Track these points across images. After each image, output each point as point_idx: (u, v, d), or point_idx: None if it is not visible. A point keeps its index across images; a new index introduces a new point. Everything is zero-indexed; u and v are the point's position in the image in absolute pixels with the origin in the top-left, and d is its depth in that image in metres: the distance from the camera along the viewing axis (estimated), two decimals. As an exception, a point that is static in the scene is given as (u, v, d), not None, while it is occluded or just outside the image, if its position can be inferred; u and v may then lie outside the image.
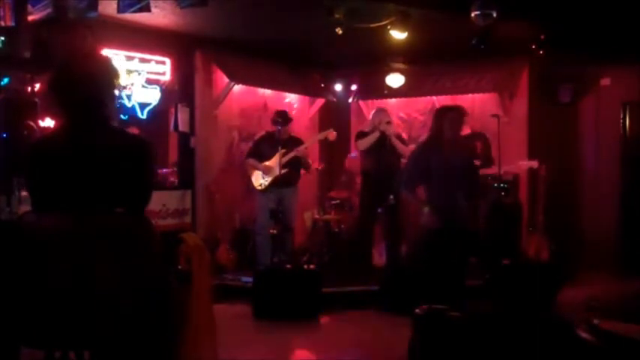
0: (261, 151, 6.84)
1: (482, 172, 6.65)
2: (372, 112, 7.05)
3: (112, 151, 2.38)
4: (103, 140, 2.40)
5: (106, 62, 2.59)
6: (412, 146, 8.05)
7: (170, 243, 2.58)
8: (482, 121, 7.20)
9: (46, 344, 2.33)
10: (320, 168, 7.68)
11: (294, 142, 6.82)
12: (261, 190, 6.78)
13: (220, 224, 7.34)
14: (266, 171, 6.71)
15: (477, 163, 6.60)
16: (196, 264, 2.57)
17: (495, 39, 5.99)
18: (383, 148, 6.54)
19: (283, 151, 6.63)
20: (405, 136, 7.46)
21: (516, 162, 6.84)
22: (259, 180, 6.78)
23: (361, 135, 6.81)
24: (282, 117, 6.74)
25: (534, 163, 6.70)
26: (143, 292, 2.28)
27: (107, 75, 2.50)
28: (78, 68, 2.47)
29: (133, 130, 5.81)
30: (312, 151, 7.40)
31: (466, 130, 6.78)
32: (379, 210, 6.79)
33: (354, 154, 7.72)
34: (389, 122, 6.62)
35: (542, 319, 2.60)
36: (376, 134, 6.59)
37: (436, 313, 2.89)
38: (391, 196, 6.51)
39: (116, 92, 2.59)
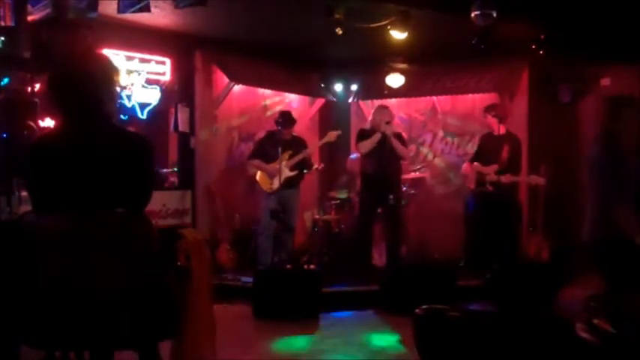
0: (264, 151, 6.78)
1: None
2: (374, 109, 7.00)
3: (111, 150, 2.38)
4: (103, 139, 2.40)
5: (104, 60, 2.58)
6: (412, 147, 8.12)
7: (169, 239, 2.57)
8: (482, 121, 7.20)
9: (47, 344, 2.32)
10: (320, 168, 7.68)
11: (297, 142, 6.79)
12: (265, 192, 6.76)
13: (220, 224, 7.34)
14: (273, 173, 6.67)
15: (495, 167, 6.61)
16: (196, 260, 2.56)
17: (495, 39, 5.99)
18: (383, 148, 6.52)
19: (289, 152, 6.61)
20: (405, 135, 7.45)
21: (522, 176, 6.84)
22: (268, 182, 6.72)
23: (362, 136, 6.74)
24: (284, 118, 6.72)
25: (541, 180, 6.69)
26: (143, 291, 2.27)
27: (105, 73, 2.49)
28: (76, 67, 2.47)
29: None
30: (313, 150, 7.38)
31: (500, 130, 6.79)
32: (379, 210, 6.79)
33: (354, 155, 7.73)
34: (388, 122, 6.55)
35: (542, 319, 2.60)
36: (377, 136, 6.52)
37: (436, 313, 2.89)
38: (391, 196, 6.50)
39: (117, 90, 2.57)
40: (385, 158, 6.52)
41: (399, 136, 6.76)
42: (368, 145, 6.58)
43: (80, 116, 2.42)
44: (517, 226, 6.97)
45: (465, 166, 7.15)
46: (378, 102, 8.54)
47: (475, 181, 6.82)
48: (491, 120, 6.79)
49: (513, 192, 6.83)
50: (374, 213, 6.79)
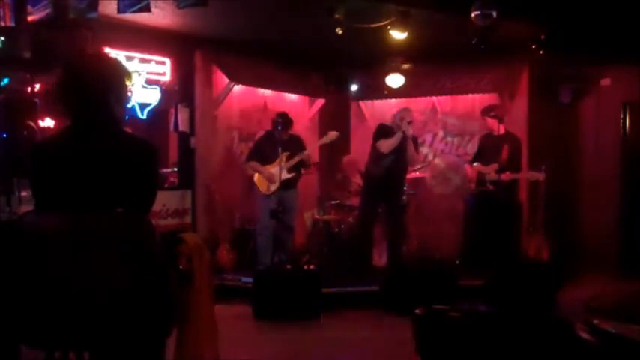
0: (262, 153, 6.76)
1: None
2: (397, 110, 6.85)
3: (115, 153, 2.37)
4: (107, 143, 2.39)
5: (115, 63, 2.57)
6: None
7: (170, 243, 2.58)
8: (482, 121, 7.21)
9: (47, 344, 2.33)
10: (315, 162, 7.61)
11: (295, 141, 6.76)
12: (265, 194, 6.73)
13: (220, 224, 7.34)
14: (270, 177, 6.60)
15: (495, 166, 6.62)
16: (197, 263, 2.57)
17: (495, 39, 5.99)
18: (399, 149, 6.49)
19: (287, 154, 6.58)
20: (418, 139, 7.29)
21: (522, 172, 6.85)
22: (265, 185, 6.68)
23: (383, 133, 6.59)
24: (282, 119, 6.69)
25: (540, 176, 6.69)
26: (143, 292, 2.27)
27: (117, 76, 2.47)
28: (86, 69, 2.45)
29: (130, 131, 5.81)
30: (312, 151, 7.37)
31: (499, 130, 6.79)
32: (382, 210, 6.76)
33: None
34: (410, 122, 6.46)
35: (542, 319, 2.60)
36: (399, 136, 6.41)
37: (436, 313, 2.88)
38: (405, 197, 6.47)
39: (127, 93, 2.54)
40: (396, 159, 6.50)
41: (414, 140, 6.68)
42: (390, 144, 6.47)
43: (86, 118, 2.41)
44: (517, 226, 6.97)
45: (467, 168, 7.16)
46: (377, 102, 8.57)
47: (475, 181, 6.82)
48: (491, 121, 6.79)
49: (513, 191, 6.83)
50: (376, 213, 6.78)
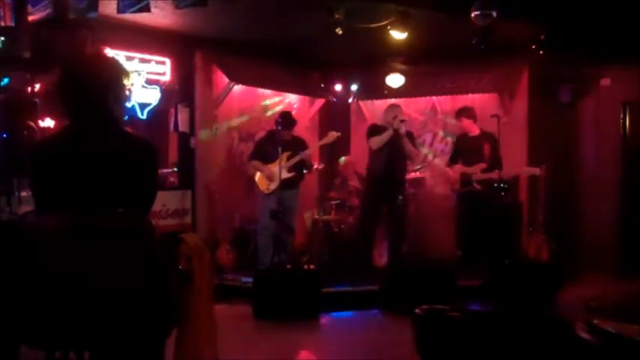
0: (263, 152, 6.76)
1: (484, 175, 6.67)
2: (386, 107, 6.89)
3: (115, 154, 2.37)
4: (107, 142, 2.39)
5: (113, 63, 2.57)
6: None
7: (170, 243, 2.58)
8: (482, 122, 7.20)
9: (47, 344, 2.33)
10: (320, 168, 7.68)
11: (297, 143, 6.76)
12: (264, 192, 6.74)
13: (220, 224, 7.34)
14: (270, 176, 6.63)
15: (483, 166, 6.63)
16: (197, 264, 2.56)
17: (495, 39, 5.99)
18: (394, 147, 6.48)
19: (288, 153, 6.58)
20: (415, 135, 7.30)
21: (518, 168, 6.86)
22: (265, 183, 6.70)
23: (374, 131, 6.63)
24: (285, 119, 6.69)
25: (536, 170, 6.70)
26: (143, 292, 2.27)
27: (115, 76, 2.47)
28: (85, 69, 2.45)
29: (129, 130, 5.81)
30: (312, 151, 7.37)
31: (475, 131, 6.82)
32: (384, 209, 6.75)
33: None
34: (403, 120, 6.45)
35: (542, 319, 2.60)
36: (389, 133, 6.44)
37: (436, 313, 2.89)
38: (400, 197, 6.48)
39: (126, 93, 2.54)
40: (394, 157, 6.50)
41: (410, 136, 6.68)
42: (378, 141, 6.50)
43: (86, 118, 2.41)
44: (511, 224, 6.94)
45: (448, 170, 7.14)
46: (378, 102, 8.57)
47: (460, 182, 6.82)
48: (467, 122, 6.86)
49: (501, 190, 6.77)
50: (377, 213, 6.77)
